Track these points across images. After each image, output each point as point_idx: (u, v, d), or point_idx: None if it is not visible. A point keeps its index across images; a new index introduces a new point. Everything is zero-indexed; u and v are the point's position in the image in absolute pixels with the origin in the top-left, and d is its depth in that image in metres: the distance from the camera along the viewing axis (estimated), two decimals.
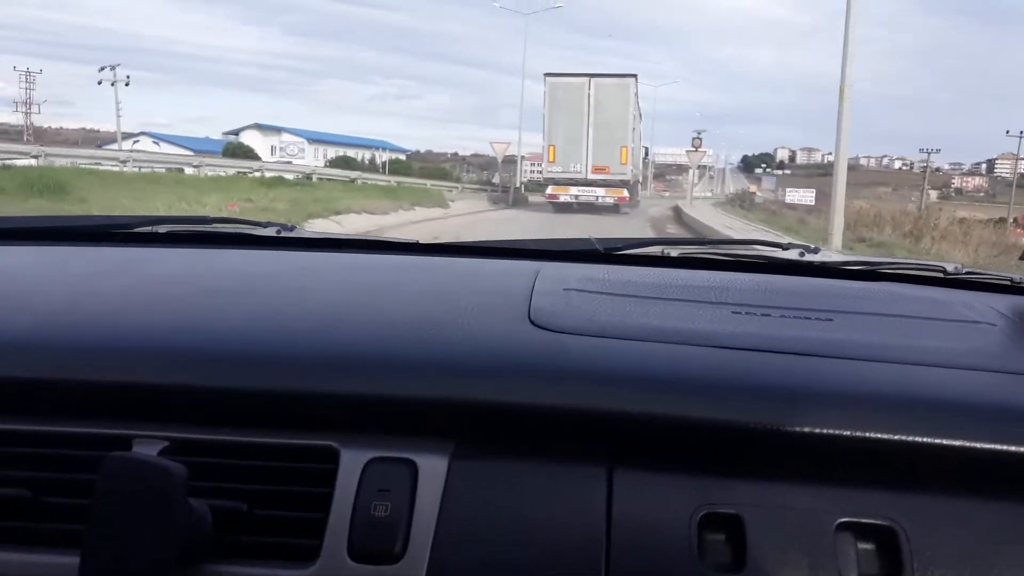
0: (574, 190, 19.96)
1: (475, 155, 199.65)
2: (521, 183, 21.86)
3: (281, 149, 56.53)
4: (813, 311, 0.96)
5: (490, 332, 0.85)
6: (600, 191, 19.78)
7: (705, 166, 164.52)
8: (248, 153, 45.02)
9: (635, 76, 20.63)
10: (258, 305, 0.95)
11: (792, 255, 1.35)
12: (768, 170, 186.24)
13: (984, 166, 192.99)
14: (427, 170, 51.68)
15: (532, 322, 0.86)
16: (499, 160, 18.80)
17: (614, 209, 19.63)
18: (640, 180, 25.16)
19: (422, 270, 1.20)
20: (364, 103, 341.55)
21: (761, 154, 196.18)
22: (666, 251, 1.35)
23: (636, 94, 20.57)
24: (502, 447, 0.73)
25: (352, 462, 0.72)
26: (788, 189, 28.73)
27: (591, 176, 19.93)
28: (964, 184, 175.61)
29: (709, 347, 0.80)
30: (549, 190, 20.24)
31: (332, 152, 56.10)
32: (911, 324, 0.95)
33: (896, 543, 0.66)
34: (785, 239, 1.34)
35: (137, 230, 1.36)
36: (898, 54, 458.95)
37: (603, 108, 19.86)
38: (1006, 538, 0.66)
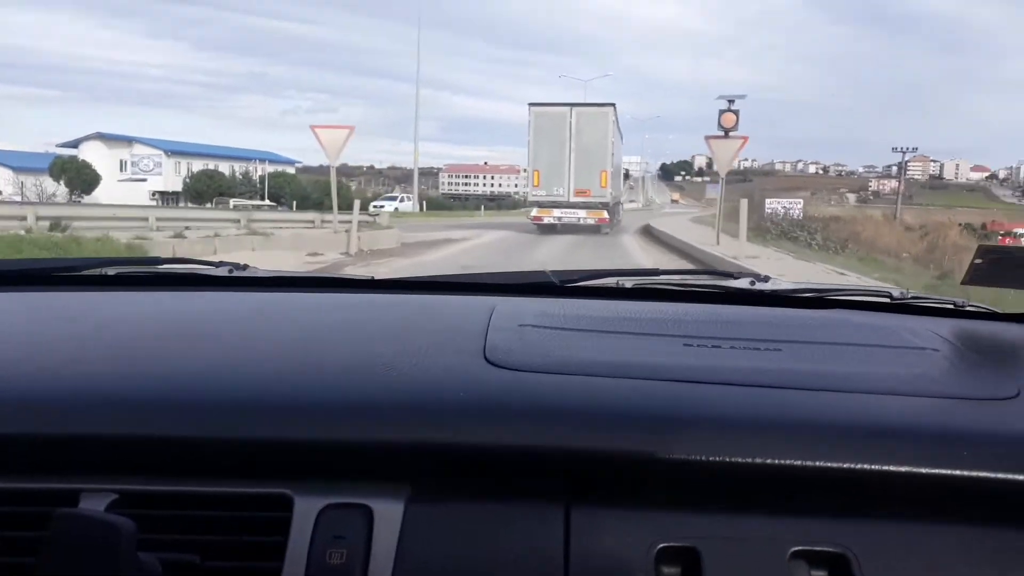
0: (557, 212, 21.02)
1: (392, 167, 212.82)
2: (372, 215, 20.02)
3: (133, 164, 49.24)
4: (762, 341, 0.98)
5: (445, 372, 0.85)
6: (582, 212, 20.93)
7: (625, 176, 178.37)
8: (82, 171, 38.43)
9: (613, 105, 21.98)
10: (208, 351, 0.94)
11: (743, 284, 1.38)
12: (687, 177, 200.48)
13: (895, 168, 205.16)
14: (321, 184, 46.39)
15: (488, 360, 0.87)
16: (332, 159, 14.69)
17: (595, 229, 20.99)
18: (620, 201, 26.73)
19: (377, 308, 1.20)
20: (278, 118, 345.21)
21: (679, 161, 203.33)
22: (620, 282, 1.38)
23: (615, 121, 21.96)
24: (458, 488, 0.73)
25: (306, 509, 0.70)
26: (767, 201, 23.34)
27: (573, 199, 21.02)
28: (881, 187, 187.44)
29: (662, 381, 0.82)
30: (534, 212, 21.52)
31: (198, 165, 48.70)
32: (857, 352, 0.97)
33: (849, 569, 0.67)
34: (735, 269, 1.30)
35: (85, 272, 1.34)
36: (805, 61, 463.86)
37: (583, 135, 21.03)
38: (954, 561, 0.68)
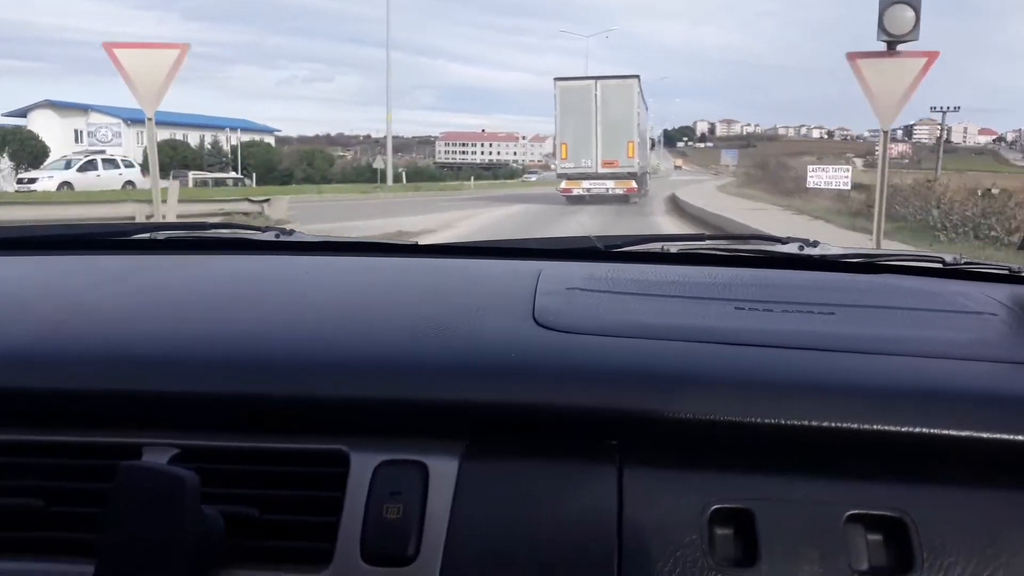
0: (586, 183, 21.25)
1: (392, 137, 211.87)
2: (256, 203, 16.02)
3: (89, 134, 44.97)
4: (815, 305, 0.97)
5: (496, 333, 0.86)
6: (610, 183, 21.15)
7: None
8: (27, 142, 34.32)
9: (638, 76, 22.08)
10: (262, 310, 0.96)
11: (791, 249, 1.36)
12: (689, 143, 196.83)
13: (900, 132, 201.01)
14: (302, 154, 46.31)
15: (537, 322, 0.87)
16: (146, 100, 7.50)
17: (624, 199, 21.14)
18: (648, 171, 26.43)
19: (424, 272, 1.20)
20: (273, 88, 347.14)
21: (681, 127, 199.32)
22: (666, 247, 1.37)
23: (640, 92, 22.04)
24: (512, 448, 0.74)
25: (362, 465, 0.72)
26: (809, 168, 20.39)
27: (601, 170, 21.24)
28: (888, 150, 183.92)
29: (714, 343, 0.82)
30: (563, 184, 21.60)
31: (164, 135, 43.72)
32: (910, 316, 0.96)
33: (906, 534, 0.66)
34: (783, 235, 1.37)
35: (135, 237, 1.38)
36: (803, 25, 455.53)
37: (609, 107, 21.20)
38: (1013, 526, 0.67)
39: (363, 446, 0.74)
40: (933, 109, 47.08)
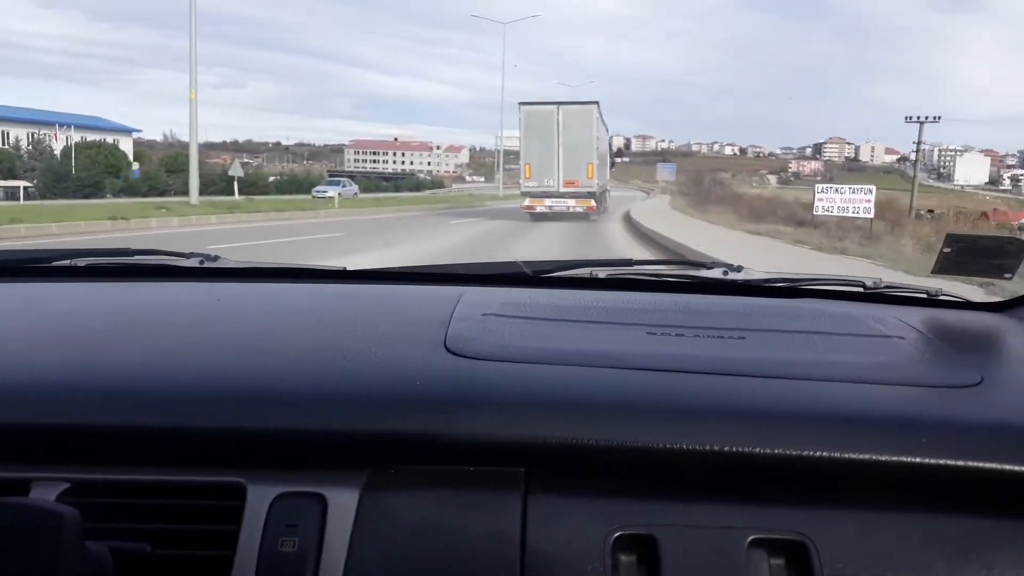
0: (548, 201, 22.55)
1: (299, 144, 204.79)
2: None
3: None
4: (727, 330, 0.99)
5: (403, 360, 0.86)
6: (571, 201, 22.51)
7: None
8: None
9: (597, 103, 23.78)
10: (166, 340, 0.95)
11: (715, 274, 1.38)
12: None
13: (810, 150, 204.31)
14: (170, 160, 40.07)
15: (448, 349, 0.87)
16: None
17: (584, 217, 22.56)
18: (607, 189, 27.93)
19: (343, 297, 1.22)
20: (183, 92, 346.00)
21: None
22: (594, 273, 1.38)
23: (599, 117, 23.65)
24: (414, 477, 0.73)
25: (259, 498, 0.70)
26: (818, 188, 17.97)
27: (563, 189, 22.52)
28: (801, 168, 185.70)
29: (618, 369, 0.82)
30: (526, 202, 22.94)
31: None
32: (822, 340, 0.98)
33: (807, 557, 0.67)
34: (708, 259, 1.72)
35: (55, 264, 1.35)
36: (716, 46, 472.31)
37: (570, 131, 22.52)
38: (912, 548, 0.68)
39: (260, 478, 0.72)
40: (908, 120, 42.91)
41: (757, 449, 0.71)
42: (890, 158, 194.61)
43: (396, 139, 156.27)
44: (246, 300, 1.20)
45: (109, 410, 0.75)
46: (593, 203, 22.84)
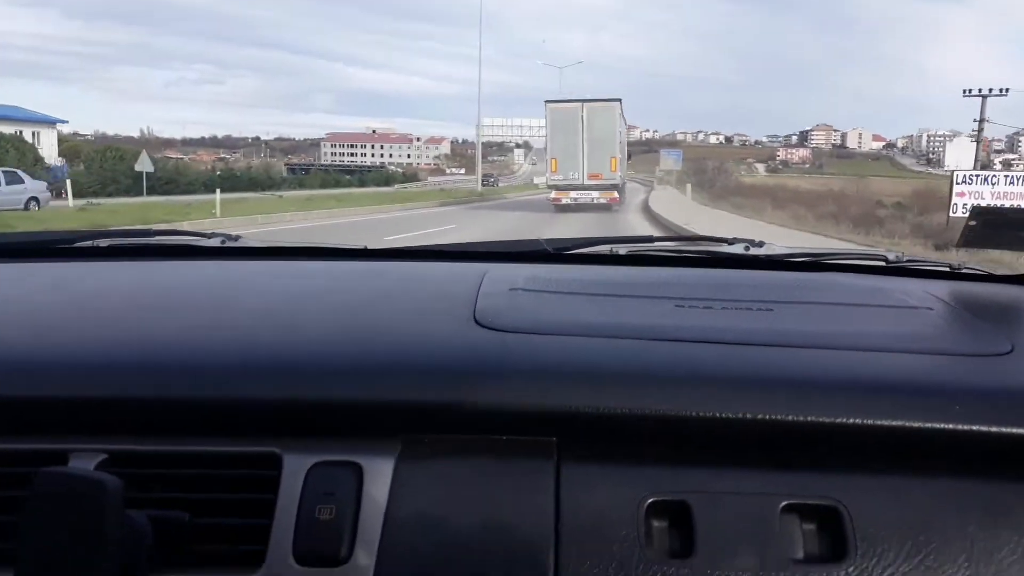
0: (573, 194, 23.44)
1: (279, 139, 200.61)
2: None
3: None
4: (754, 302, 1.00)
5: (434, 333, 0.87)
6: (595, 193, 23.39)
7: (524, 145, 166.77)
8: None
9: (619, 100, 24.52)
10: (198, 315, 0.97)
11: (737, 249, 1.38)
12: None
13: (796, 137, 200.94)
14: (98, 155, 36.39)
15: (477, 322, 0.88)
16: None
17: (606, 208, 23.49)
18: (625, 181, 28.91)
19: (369, 275, 1.22)
20: (160, 90, 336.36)
21: None
22: (615, 249, 1.38)
23: (620, 114, 24.44)
24: (448, 447, 0.74)
25: (295, 467, 0.72)
26: (958, 177, 13.88)
27: (587, 182, 23.44)
28: (789, 156, 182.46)
29: (649, 340, 0.83)
30: (552, 194, 23.94)
31: None
32: (850, 311, 0.99)
33: (840, 523, 0.68)
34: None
35: (78, 245, 1.36)
36: (697, 36, 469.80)
37: (594, 127, 23.40)
38: (943, 513, 0.69)
39: (296, 448, 0.73)
40: (966, 93, 37.31)
41: (789, 416, 0.71)
42: (877, 144, 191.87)
43: (375, 131, 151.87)
44: (273, 277, 1.20)
45: (145, 382, 0.77)
46: (616, 195, 23.80)
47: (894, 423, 0.71)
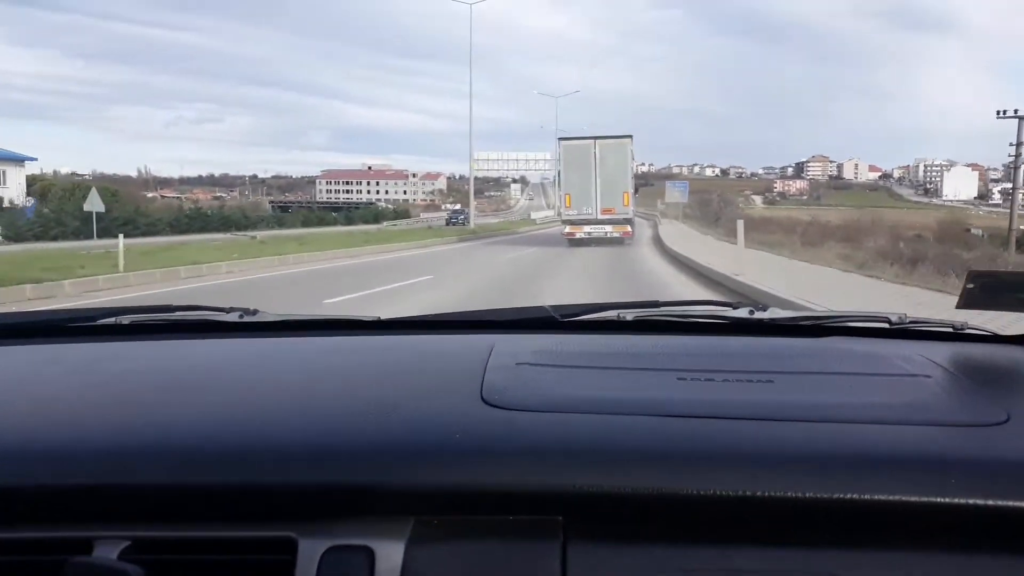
0: (587, 228, 24.19)
1: (276, 176, 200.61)
2: None
3: None
4: (756, 372, 1.01)
5: (442, 414, 0.88)
6: (608, 227, 24.20)
7: (521, 180, 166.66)
8: None
9: (631, 136, 25.16)
10: (215, 399, 0.99)
11: (742, 313, 1.40)
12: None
13: (792, 169, 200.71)
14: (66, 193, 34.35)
15: (484, 400, 0.90)
16: None
17: (619, 242, 24.33)
18: (635, 216, 29.16)
19: (381, 350, 1.26)
20: (160, 129, 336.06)
21: None
22: (621, 315, 1.40)
23: (632, 151, 24.96)
24: (457, 528, 0.75)
25: (310, 552, 0.73)
26: None
27: (601, 216, 24.14)
28: (786, 188, 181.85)
29: (650, 416, 0.84)
30: (567, 229, 24.68)
31: None
32: (848, 381, 1.00)
33: None
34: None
35: (100, 322, 1.39)
36: (690, 70, 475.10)
37: (606, 163, 24.09)
38: None
39: (310, 532, 0.75)
40: (1000, 115, 35.51)
41: (790, 493, 0.72)
42: (873, 175, 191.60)
43: (370, 168, 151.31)
44: (288, 355, 1.23)
45: (165, 470, 0.78)
46: (629, 228, 24.59)
47: (891, 498, 0.72)
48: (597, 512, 0.74)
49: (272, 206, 65.97)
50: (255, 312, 1.48)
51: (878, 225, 36.23)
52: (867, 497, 0.72)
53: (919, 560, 0.71)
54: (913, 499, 0.72)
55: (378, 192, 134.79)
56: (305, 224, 43.59)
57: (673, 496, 0.73)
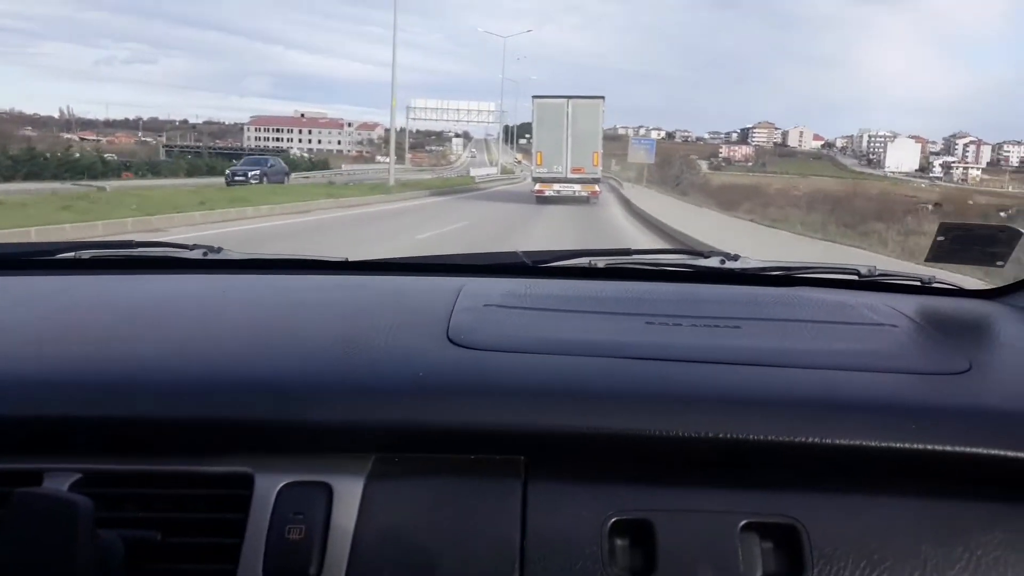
0: (556, 186, 24.06)
1: (208, 122, 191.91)
2: None
3: None
4: (723, 319, 1.01)
5: (406, 351, 0.87)
6: (577, 186, 24.14)
7: (464, 136, 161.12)
8: None
9: (603, 97, 25.22)
10: (171, 333, 0.96)
11: (712, 263, 1.39)
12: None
13: (737, 135, 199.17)
14: None
15: (450, 340, 0.89)
16: None
17: (586, 200, 24.24)
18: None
19: (346, 289, 1.23)
20: (89, 68, 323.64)
21: (523, 124, 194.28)
22: (593, 262, 1.39)
23: (603, 111, 25.09)
24: (418, 466, 0.75)
25: (266, 487, 0.73)
26: None
27: (570, 175, 24.15)
28: (731, 153, 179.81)
29: (616, 358, 0.84)
30: (536, 186, 24.35)
31: None
32: (815, 328, 1.00)
33: (798, 541, 0.69)
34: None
35: (59, 256, 1.35)
36: (641, 30, 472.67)
37: (578, 122, 24.10)
38: (898, 531, 0.70)
39: (267, 468, 0.74)
40: None
41: (750, 436, 0.73)
42: (817, 143, 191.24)
43: (303, 115, 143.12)
44: (250, 292, 1.20)
45: (119, 402, 0.77)
46: (597, 188, 24.67)
47: (852, 442, 0.73)
48: (559, 452, 0.75)
49: (165, 151, 59.61)
50: (219, 250, 1.43)
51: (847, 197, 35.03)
52: (829, 441, 0.72)
53: (876, 504, 0.72)
54: (874, 444, 0.72)
55: (310, 141, 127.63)
56: (190, 174, 36.67)
57: (636, 437, 0.73)
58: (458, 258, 1.41)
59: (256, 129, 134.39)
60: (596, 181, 24.73)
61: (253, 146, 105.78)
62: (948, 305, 1.21)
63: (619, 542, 0.71)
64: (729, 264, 1.38)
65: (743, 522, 0.70)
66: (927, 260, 1.28)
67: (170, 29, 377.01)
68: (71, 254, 1.34)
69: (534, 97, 25.22)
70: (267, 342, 0.92)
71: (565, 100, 24.47)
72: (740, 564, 0.69)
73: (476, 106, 45.10)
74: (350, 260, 1.41)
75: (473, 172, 56.86)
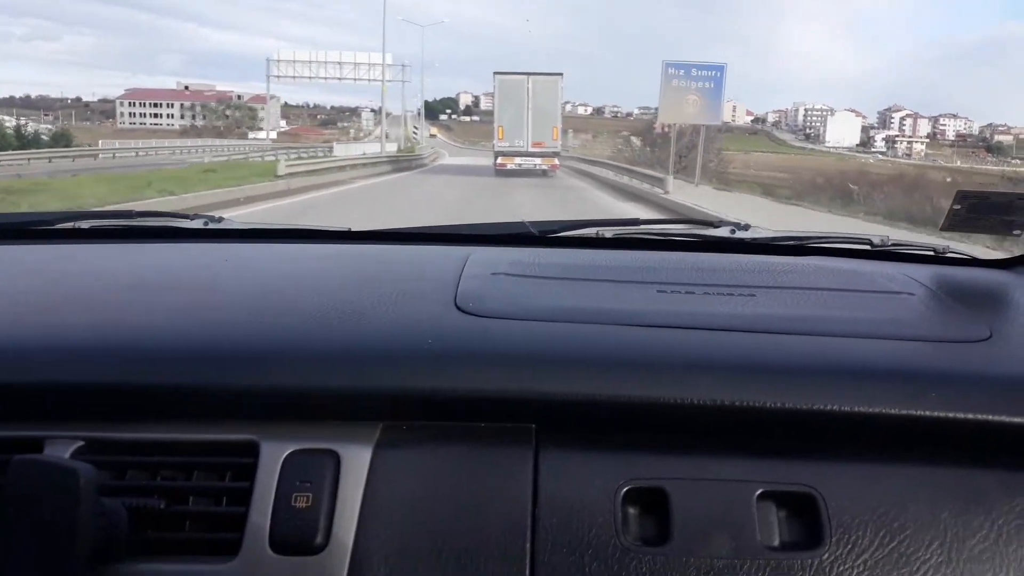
0: (518, 159, 26.00)
1: (103, 100, 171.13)
2: None
3: None
4: (737, 287, 1.00)
5: (414, 319, 0.87)
6: (538, 160, 26.22)
7: (377, 112, 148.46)
8: None
9: (561, 74, 27.74)
10: (177, 300, 0.95)
11: (723, 232, 1.38)
12: (453, 115, 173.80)
13: None
14: None
15: (458, 307, 0.89)
16: None
17: (543, 174, 25.86)
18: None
19: (351, 258, 1.23)
20: None
21: (443, 99, 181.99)
22: (600, 232, 1.38)
23: (562, 88, 27.78)
24: (427, 433, 0.75)
25: (272, 455, 0.72)
26: None
27: (531, 149, 26.27)
28: (665, 129, 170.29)
29: (628, 326, 0.83)
30: (498, 160, 26.24)
31: None
32: (831, 296, 0.99)
33: (815, 509, 0.69)
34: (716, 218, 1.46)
35: (59, 226, 1.35)
36: (565, 8, 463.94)
37: (538, 98, 26.57)
38: (917, 500, 0.70)
39: (273, 435, 0.74)
40: None
41: (766, 403, 0.73)
42: (750, 119, 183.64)
43: (187, 88, 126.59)
44: (254, 261, 1.21)
45: (122, 369, 0.77)
46: (556, 162, 27.12)
47: (870, 410, 0.72)
48: (570, 420, 0.74)
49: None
50: (220, 219, 1.43)
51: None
52: (848, 409, 0.72)
53: (894, 472, 0.71)
54: (892, 411, 0.72)
55: (193, 117, 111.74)
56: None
57: (648, 404, 0.73)
58: (463, 228, 1.40)
59: (130, 104, 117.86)
60: (556, 155, 26.71)
61: (128, 124, 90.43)
62: (964, 274, 1.19)
63: (632, 511, 0.70)
64: (739, 234, 1.35)
65: (759, 491, 0.69)
66: (943, 228, 1.22)
67: (75, 4, 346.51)
68: (70, 224, 1.33)
69: (495, 73, 26.95)
70: (271, 309, 0.90)
71: (525, 76, 26.70)
72: (757, 533, 0.68)
73: (365, 59, 37.48)
74: (353, 230, 1.40)
75: (337, 150, 42.99)
